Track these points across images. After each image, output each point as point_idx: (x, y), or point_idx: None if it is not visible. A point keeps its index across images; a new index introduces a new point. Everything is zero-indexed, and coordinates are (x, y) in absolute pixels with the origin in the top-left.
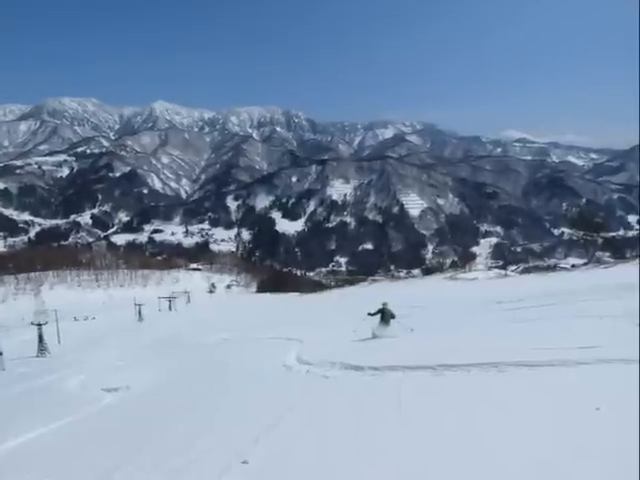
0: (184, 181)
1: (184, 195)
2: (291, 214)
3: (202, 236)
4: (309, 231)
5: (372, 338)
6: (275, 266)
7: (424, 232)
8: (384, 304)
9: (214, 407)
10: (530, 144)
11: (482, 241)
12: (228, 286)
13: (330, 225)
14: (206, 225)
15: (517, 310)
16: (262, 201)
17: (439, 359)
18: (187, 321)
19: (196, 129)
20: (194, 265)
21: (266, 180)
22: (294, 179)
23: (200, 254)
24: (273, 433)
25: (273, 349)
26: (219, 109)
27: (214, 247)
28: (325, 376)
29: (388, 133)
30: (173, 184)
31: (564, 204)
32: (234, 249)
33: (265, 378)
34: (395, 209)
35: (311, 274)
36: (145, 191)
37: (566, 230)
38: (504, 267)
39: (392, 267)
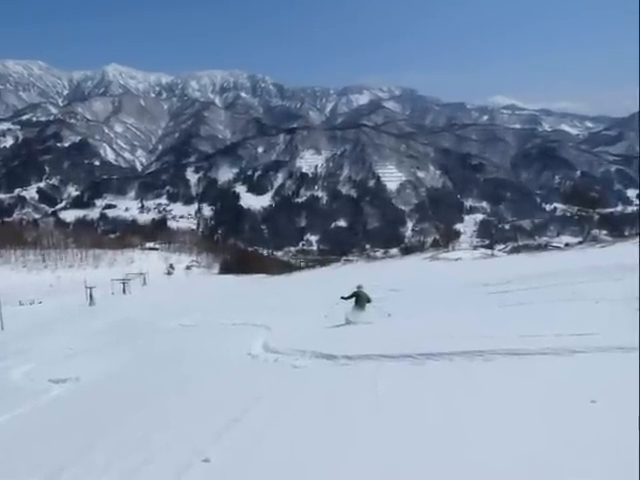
0: (139, 152)
1: (139, 167)
2: (257, 188)
3: (159, 212)
4: (277, 207)
5: (346, 324)
6: (239, 245)
7: (403, 208)
8: (359, 287)
9: (172, 400)
10: (520, 111)
11: (467, 218)
12: (188, 267)
13: (300, 200)
14: (164, 200)
15: (505, 293)
16: (225, 174)
17: (419, 347)
18: (143, 305)
19: (153, 95)
20: (150, 244)
21: (229, 151)
22: (260, 149)
23: (157, 232)
24: (237, 428)
25: (237, 336)
26: (178, 73)
27: (172, 224)
28: (294, 366)
29: (363, 99)
30: (127, 155)
31: (557, 177)
32: (194, 226)
33: (229, 368)
34: (371, 183)
35: (279, 254)
36: (97, 163)
37: (559, 206)
38: (491, 246)
39: (368, 246)
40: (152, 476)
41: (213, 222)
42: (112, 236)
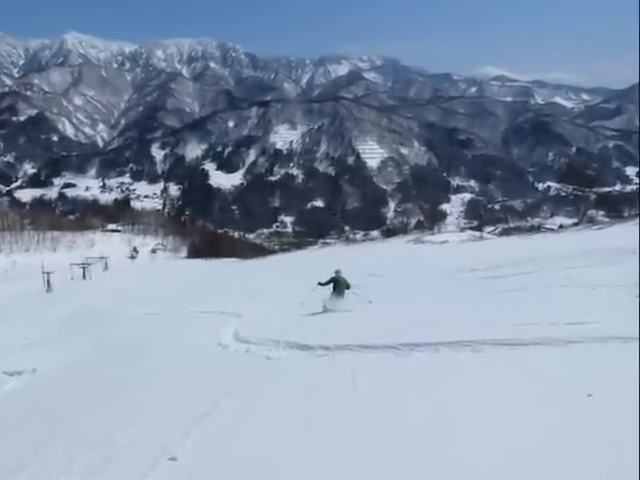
0: (101, 126)
1: (101, 143)
2: (227, 165)
3: (122, 191)
4: (249, 185)
5: (323, 312)
6: (209, 227)
7: (384, 187)
8: (337, 272)
9: (136, 393)
10: (510, 83)
11: (453, 197)
12: (153, 250)
13: (273, 178)
14: (127, 178)
15: (495, 279)
16: (193, 150)
17: (402, 336)
18: (105, 292)
19: (115, 65)
20: (113, 226)
21: (198, 125)
22: (231, 124)
23: (120, 213)
24: (206, 424)
25: (206, 325)
26: (142, 41)
27: (136, 204)
28: (267, 357)
29: (342, 69)
30: (88, 130)
31: (550, 153)
32: (160, 207)
33: (196, 359)
34: (350, 160)
35: (251, 236)
36: (55, 138)
37: (553, 184)
38: (479, 228)
39: (347, 228)
40: (115, 475)
41: (180, 202)
42: (71, 217)
